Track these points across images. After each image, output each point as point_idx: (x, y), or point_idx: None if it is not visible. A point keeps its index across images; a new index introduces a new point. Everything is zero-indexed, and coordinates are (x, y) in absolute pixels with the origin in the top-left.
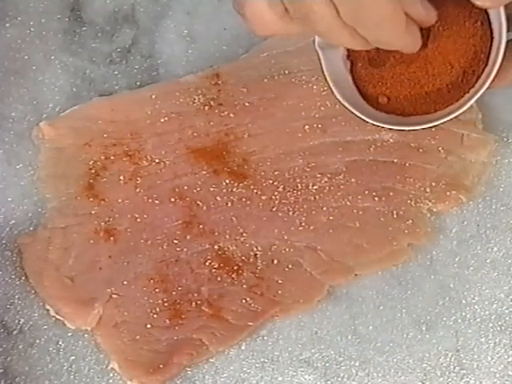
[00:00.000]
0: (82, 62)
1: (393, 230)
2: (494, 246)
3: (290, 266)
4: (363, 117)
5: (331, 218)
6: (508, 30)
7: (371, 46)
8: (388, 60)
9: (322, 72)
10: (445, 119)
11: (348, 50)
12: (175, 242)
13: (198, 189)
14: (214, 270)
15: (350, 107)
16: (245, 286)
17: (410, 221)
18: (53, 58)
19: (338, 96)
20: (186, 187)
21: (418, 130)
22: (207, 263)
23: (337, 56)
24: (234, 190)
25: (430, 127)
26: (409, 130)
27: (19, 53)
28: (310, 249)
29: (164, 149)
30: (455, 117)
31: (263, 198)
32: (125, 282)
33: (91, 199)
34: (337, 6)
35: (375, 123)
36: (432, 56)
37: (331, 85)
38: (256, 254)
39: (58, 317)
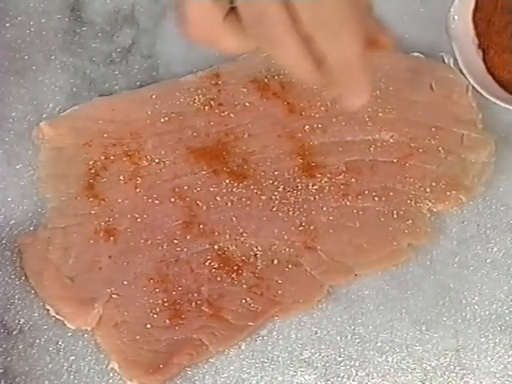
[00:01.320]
0: (81, 62)
1: (393, 230)
2: (494, 246)
3: (289, 266)
4: (502, 103)
5: (331, 217)
6: None
7: (315, 75)
8: None
9: (456, 61)
10: None
11: (480, 38)
12: (175, 241)
13: (198, 189)
14: (213, 270)
15: (486, 95)
16: (245, 286)
17: (410, 221)
18: (53, 57)
19: (475, 85)
20: (186, 187)
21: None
22: (207, 263)
23: (469, 45)
24: (234, 190)
25: None
26: None
27: (19, 53)
28: (310, 249)
29: (164, 149)
30: None
31: (263, 198)
32: (125, 282)
33: (91, 199)
34: (297, 8)
35: None
36: None
37: (466, 74)
38: (256, 254)
39: (58, 317)
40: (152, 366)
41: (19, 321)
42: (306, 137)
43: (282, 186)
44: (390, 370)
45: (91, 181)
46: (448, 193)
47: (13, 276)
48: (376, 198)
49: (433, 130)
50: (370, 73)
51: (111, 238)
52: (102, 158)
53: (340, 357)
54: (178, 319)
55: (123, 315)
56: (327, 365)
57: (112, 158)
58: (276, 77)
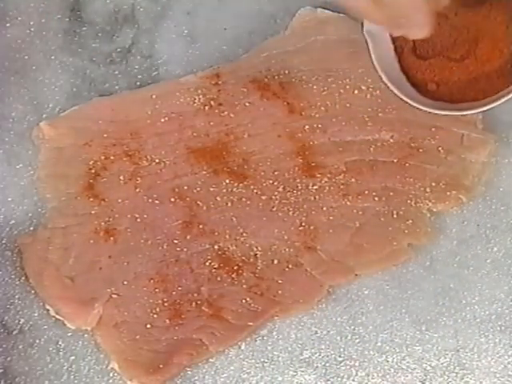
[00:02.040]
0: (82, 62)
1: (393, 230)
2: (493, 246)
3: (290, 266)
4: (411, 102)
5: (331, 217)
6: None
7: (374, 12)
8: (435, 48)
9: (370, 58)
10: (493, 104)
11: (394, 38)
12: (175, 242)
13: (198, 189)
14: (214, 270)
15: (397, 92)
16: (245, 286)
17: (410, 221)
18: (53, 57)
19: (387, 81)
20: (186, 187)
21: (466, 115)
22: (207, 263)
23: (385, 43)
24: (234, 189)
25: (479, 112)
26: (458, 115)
27: (19, 53)
28: (310, 249)
29: (164, 149)
30: (504, 102)
31: (263, 198)
32: (125, 282)
33: (91, 199)
34: None
35: (423, 109)
36: (481, 42)
37: (379, 71)
38: (256, 254)
39: (57, 317)
40: (152, 366)
41: (19, 321)
42: (306, 137)
43: (282, 186)
44: (390, 370)
45: (91, 181)
46: (448, 193)
47: (13, 276)
48: (376, 198)
49: (433, 130)
50: (429, 10)
51: (111, 238)
52: (102, 157)
53: (340, 357)
54: (177, 319)
55: (123, 315)
56: (327, 365)
57: (112, 158)
58: (276, 77)
